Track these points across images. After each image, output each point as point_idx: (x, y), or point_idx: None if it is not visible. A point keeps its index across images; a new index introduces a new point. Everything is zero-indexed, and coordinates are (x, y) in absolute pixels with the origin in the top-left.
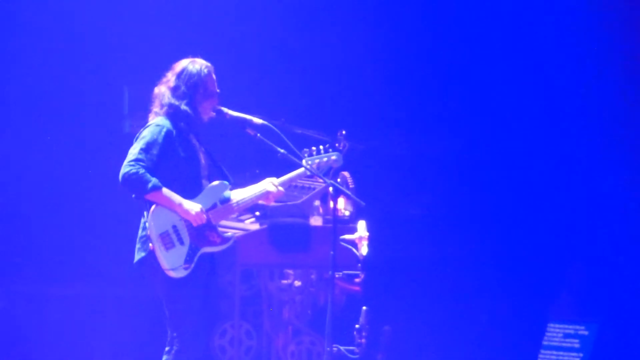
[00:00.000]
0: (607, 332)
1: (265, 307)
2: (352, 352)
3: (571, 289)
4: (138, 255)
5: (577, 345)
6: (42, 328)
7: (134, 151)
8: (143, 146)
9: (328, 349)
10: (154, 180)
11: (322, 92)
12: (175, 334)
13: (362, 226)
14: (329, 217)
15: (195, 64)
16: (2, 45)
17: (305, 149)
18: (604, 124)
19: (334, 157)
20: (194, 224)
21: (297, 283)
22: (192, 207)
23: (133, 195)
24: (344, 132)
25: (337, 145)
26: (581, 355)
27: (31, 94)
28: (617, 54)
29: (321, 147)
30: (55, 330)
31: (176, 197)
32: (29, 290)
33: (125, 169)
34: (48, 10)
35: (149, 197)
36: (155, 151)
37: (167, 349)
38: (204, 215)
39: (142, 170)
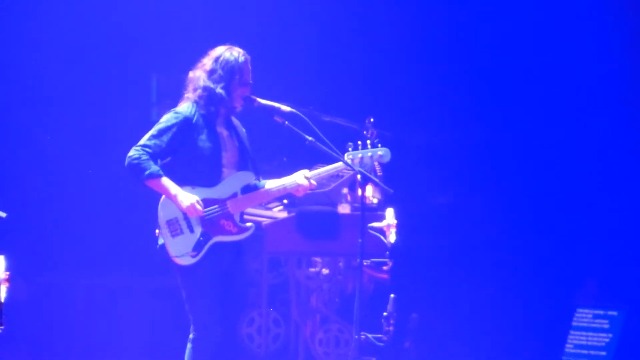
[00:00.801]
0: (635, 319)
1: (292, 295)
2: (380, 339)
3: (599, 277)
4: (159, 241)
5: (606, 326)
6: (68, 318)
7: (144, 137)
8: (154, 132)
9: (356, 336)
10: (152, 168)
11: (350, 80)
12: (192, 322)
13: (390, 214)
14: (357, 204)
15: (233, 51)
16: (28, 34)
17: (350, 143)
18: (635, 116)
19: (380, 153)
20: (189, 216)
21: (325, 271)
22: (186, 198)
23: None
24: (372, 119)
25: (365, 132)
26: (611, 335)
27: (59, 83)
28: None
29: (368, 141)
30: (82, 320)
31: (173, 188)
32: (54, 281)
33: (129, 153)
34: None
35: (147, 184)
36: (166, 138)
37: (190, 336)
38: (200, 208)
39: (144, 157)
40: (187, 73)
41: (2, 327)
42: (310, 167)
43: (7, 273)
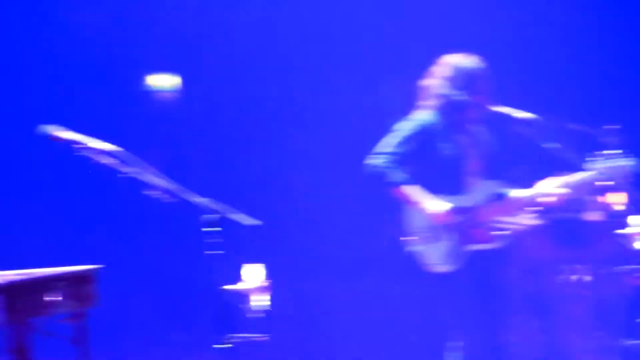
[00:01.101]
0: None
1: (552, 303)
2: None
3: None
4: (412, 247)
5: None
6: (329, 324)
7: (384, 144)
8: (395, 139)
9: (618, 343)
10: (395, 176)
11: (596, 83)
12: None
13: None
14: (609, 211)
15: (471, 59)
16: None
17: (596, 152)
18: None
19: (629, 162)
20: (440, 223)
21: (587, 278)
22: (437, 206)
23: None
24: (617, 127)
25: (608, 141)
26: None
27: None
28: None
29: (616, 151)
30: (340, 326)
31: (422, 196)
32: (313, 287)
33: (373, 161)
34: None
35: (395, 192)
36: (407, 145)
37: (450, 344)
38: (448, 215)
39: (390, 165)
40: (424, 80)
41: (266, 336)
42: (552, 175)
43: (269, 281)
